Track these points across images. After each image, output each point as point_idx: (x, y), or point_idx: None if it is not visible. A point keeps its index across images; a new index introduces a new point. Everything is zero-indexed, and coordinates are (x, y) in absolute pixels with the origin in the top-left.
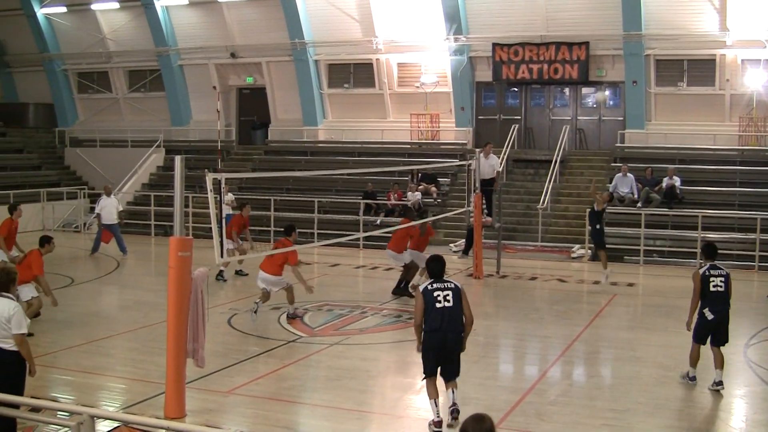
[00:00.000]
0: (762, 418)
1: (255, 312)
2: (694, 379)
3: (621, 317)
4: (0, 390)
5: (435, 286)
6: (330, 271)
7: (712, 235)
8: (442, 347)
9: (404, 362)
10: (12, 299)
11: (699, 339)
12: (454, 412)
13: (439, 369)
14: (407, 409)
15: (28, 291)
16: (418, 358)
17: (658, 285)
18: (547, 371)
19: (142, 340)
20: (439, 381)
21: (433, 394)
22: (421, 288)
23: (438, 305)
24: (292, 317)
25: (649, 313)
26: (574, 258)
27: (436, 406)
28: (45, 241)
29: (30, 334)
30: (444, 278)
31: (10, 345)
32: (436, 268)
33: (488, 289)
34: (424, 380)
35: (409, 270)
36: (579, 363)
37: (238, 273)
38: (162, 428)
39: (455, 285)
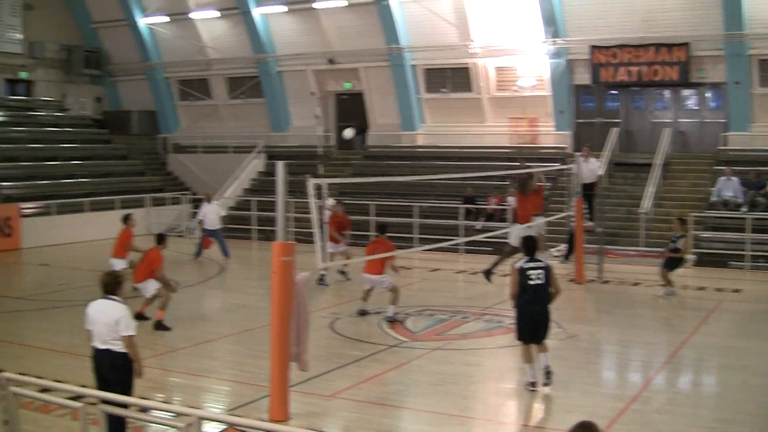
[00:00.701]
0: None
1: (363, 314)
2: None
3: (728, 324)
4: (110, 390)
5: (529, 265)
6: (430, 276)
7: None
8: (534, 319)
9: (507, 368)
10: (119, 302)
11: None
12: (548, 374)
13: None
14: (510, 415)
15: (152, 285)
16: (520, 364)
17: (766, 291)
18: (652, 379)
19: (246, 344)
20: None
21: (527, 359)
22: (517, 266)
23: (531, 282)
24: (391, 320)
25: (758, 320)
26: None
27: (531, 369)
28: (163, 238)
29: (167, 328)
30: (536, 257)
31: (119, 347)
32: (529, 246)
33: (590, 295)
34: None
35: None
36: (685, 371)
37: (342, 273)
38: (268, 431)
39: (546, 264)
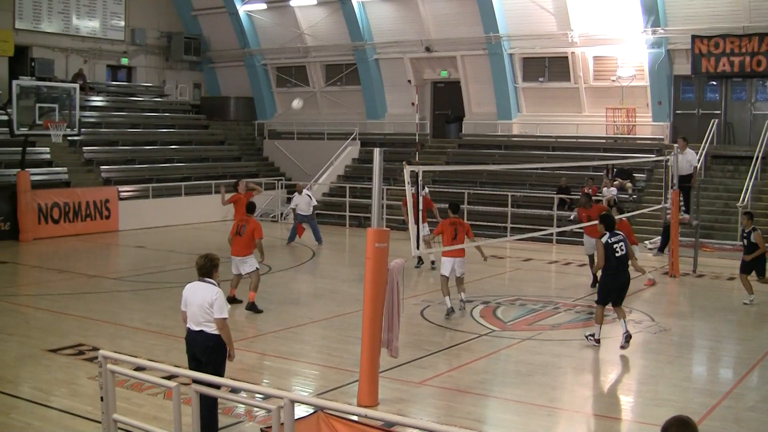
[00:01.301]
0: None
1: (453, 311)
2: None
3: None
4: (202, 371)
5: (613, 239)
6: (523, 265)
7: None
8: (620, 286)
9: (596, 360)
10: (214, 284)
11: None
12: (628, 338)
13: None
14: (598, 407)
15: (252, 262)
16: (610, 356)
17: None
18: (746, 375)
19: (337, 329)
20: None
21: (601, 320)
22: (603, 240)
23: (617, 255)
24: (466, 302)
25: None
26: None
27: (600, 329)
28: (253, 206)
29: (260, 310)
30: (615, 230)
31: (212, 329)
32: (610, 222)
33: (684, 288)
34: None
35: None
36: None
37: (432, 263)
38: (358, 415)
39: (623, 235)
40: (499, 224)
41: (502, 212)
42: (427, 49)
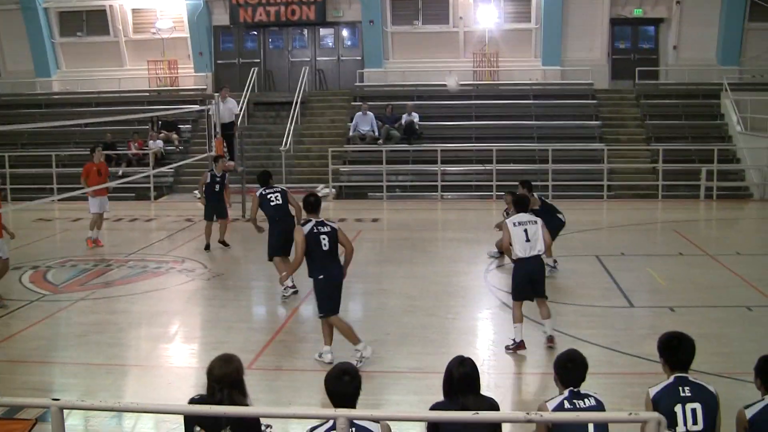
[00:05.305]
0: (502, 338)
1: None
2: None
3: (367, 252)
4: None
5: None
6: (72, 225)
7: (451, 168)
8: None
9: (155, 312)
10: None
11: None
12: None
13: None
14: (160, 358)
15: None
16: (166, 308)
17: (401, 219)
18: (298, 308)
19: None
20: None
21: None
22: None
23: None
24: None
25: (394, 247)
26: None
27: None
28: None
29: None
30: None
31: None
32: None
33: (235, 234)
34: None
35: None
36: None
37: None
38: None
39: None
40: (45, 185)
41: (48, 173)
42: None
